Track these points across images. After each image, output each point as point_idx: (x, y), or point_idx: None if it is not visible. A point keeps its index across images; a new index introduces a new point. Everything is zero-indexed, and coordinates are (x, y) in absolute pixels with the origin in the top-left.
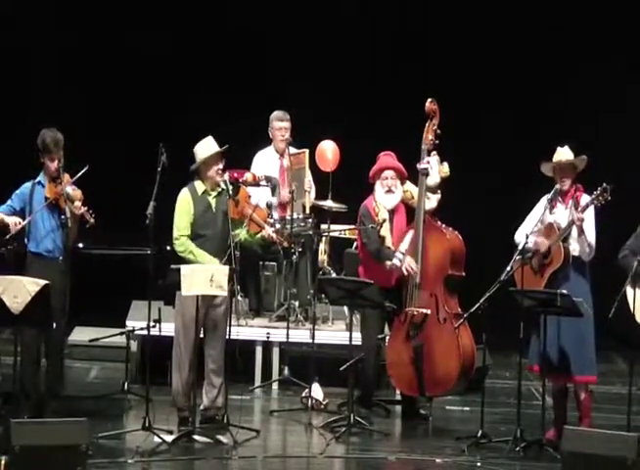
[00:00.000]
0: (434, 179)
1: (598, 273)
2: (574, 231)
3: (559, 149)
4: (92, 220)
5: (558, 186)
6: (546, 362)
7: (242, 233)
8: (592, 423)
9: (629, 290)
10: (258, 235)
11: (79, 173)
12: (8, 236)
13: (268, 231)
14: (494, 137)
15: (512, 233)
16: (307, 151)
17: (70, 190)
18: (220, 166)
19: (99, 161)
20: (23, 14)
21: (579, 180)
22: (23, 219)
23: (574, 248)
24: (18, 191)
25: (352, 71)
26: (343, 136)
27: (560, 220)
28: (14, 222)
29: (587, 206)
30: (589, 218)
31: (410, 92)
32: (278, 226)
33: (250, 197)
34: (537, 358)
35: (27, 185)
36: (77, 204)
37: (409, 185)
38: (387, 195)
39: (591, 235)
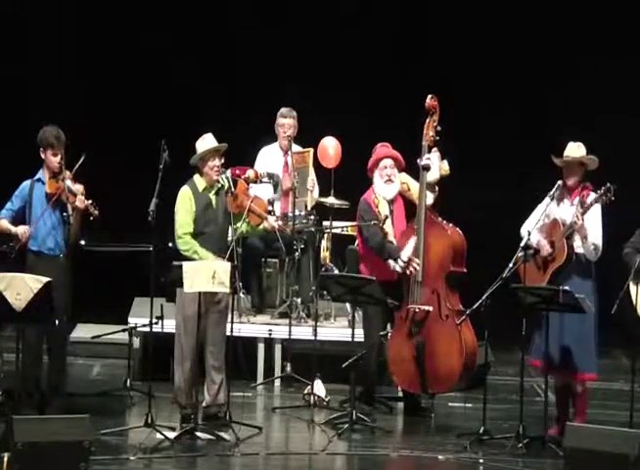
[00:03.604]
0: (434, 175)
1: (601, 270)
2: None
3: (569, 144)
4: (96, 212)
5: (560, 182)
6: (548, 359)
7: (242, 226)
8: (586, 420)
9: (632, 286)
10: (260, 227)
11: (78, 163)
12: (17, 246)
13: (270, 221)
14: (494, 137)
15: (512, 231)
16: (312, 150)
17: (72, 185)
18: (217, 163)
19: (100, 159)
20: (23, 13)
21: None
22: (24, 218)
23: (579, 245)
24: (17, 191)
25: (353, 71)
26: (344, 135)
27: (565, 217)
28: (22, 232)
29: (590, 206)
30: (595, 218)
31: (410, 92)
32: (280, 222)
33: (247, 189)
34: (539, 354)
35: (26, 183)
36: (80, 197)
37: (406, 177)
38: (386, 185)
39: (597, 235)
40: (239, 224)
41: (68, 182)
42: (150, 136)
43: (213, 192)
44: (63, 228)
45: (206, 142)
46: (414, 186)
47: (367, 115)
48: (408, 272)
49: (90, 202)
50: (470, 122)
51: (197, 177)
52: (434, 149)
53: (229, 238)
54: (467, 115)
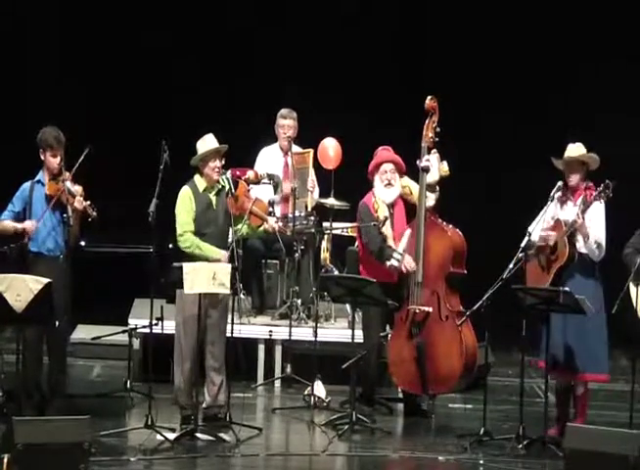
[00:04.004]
0: (433, 177)
1: (602, 270)
2: None
3: (569, 145)
4: (94, 214)
5: (560, 183)
6: (554, 359)
7: (243, 228)
8: (587, 420)
9: (632, 287)
10: (261, 228)
11: (81, 157)
12: (27, 239)
13: (271, 223)
14: (494, 137)
15: (512, 232)
16: (312, 151)
17: (72, 186)
18: (217, 164)
19: (100, 159)
20: (23, 13)
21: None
22: (25, 219)
23: (582, 245)
24: (17, 193)
25: (353, 71)
26: (345, 135)
27: (568, 218)
28: (30, 225)
29: (590, 203)
30: (598, 217)
31: (410, 92)
32: (280, 224)
33: (249, 190)
34: (544, 354)
35: (26, 185)
36: (79, 198)
37: (408, 181)
38: (386, 189)
39: (599, 234)
40: (239, 226)
41: (68, 183)
42: (150, 136)
43: (214, 193)
44: (62, 229)
45: (207, 143)
46: (416, 189)
47: (367, 114)
48: (404, 269)
49: (88, 203)
50: (470, 122)
51: (197, 178)
52: (434, 150)
53: (229, 239)
54: (467, 115)
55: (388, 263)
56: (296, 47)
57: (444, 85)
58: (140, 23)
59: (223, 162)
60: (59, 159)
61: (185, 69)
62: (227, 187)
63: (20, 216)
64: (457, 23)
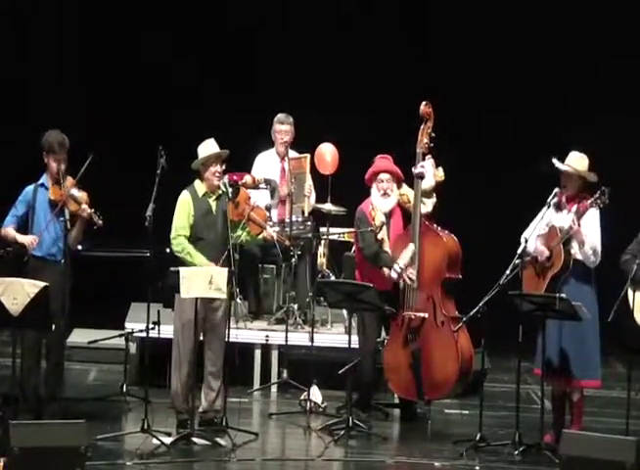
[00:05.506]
0: (428, 182)
1: (599, 277)
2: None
3: (572, 153)
4: (100, 222)
5: (557, 189)
6: (549, 366)
7: (242, 235)
8: (583, 427)
9: (630, 293)
10: (260, 236)
11: (84, 166)
12: (26, 258)
13: (269, 231)
14: (494, 137)
15: (511, 234)
16: (309, 156)
17: (76, 192)
18: (218, 169)
19: (98, 162)
20: (23, 13)
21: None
22: (27, 223)
23: (577, 251)
24: (20, 197)
25: (353, 72)
26: (342, 139)
27: (563, 224)
28: (30, 242)
29: (585, 210)
30: (593, 224)
31: (410, 92)
32: (277, 229)
33: (249, 198)
34: (540, 362)
35: (30, 188)
36: (84, 206)
37: (406, 189)
38: (382, 198)
39: (595, 240)
40: (238, 232)
41: (74, 190)
42: (149, 138)
43: (214, 198)
44: (65, 234)
45: (209, 147)
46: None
47: (367, 114)
48: (401, 282)
49: (93, 211)
50: (470, 122)
51: (197, 183)
52: (429, 156)
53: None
54: (467, 115)
55: (387, 272)
56: (295, 47)
57: (444, 85)
58: (140, 23)
59: (224, 167)
60: (61, 164)
61: (185, 69)
62: (225, 192)
63: (23, 220)
64: (457, 23)
